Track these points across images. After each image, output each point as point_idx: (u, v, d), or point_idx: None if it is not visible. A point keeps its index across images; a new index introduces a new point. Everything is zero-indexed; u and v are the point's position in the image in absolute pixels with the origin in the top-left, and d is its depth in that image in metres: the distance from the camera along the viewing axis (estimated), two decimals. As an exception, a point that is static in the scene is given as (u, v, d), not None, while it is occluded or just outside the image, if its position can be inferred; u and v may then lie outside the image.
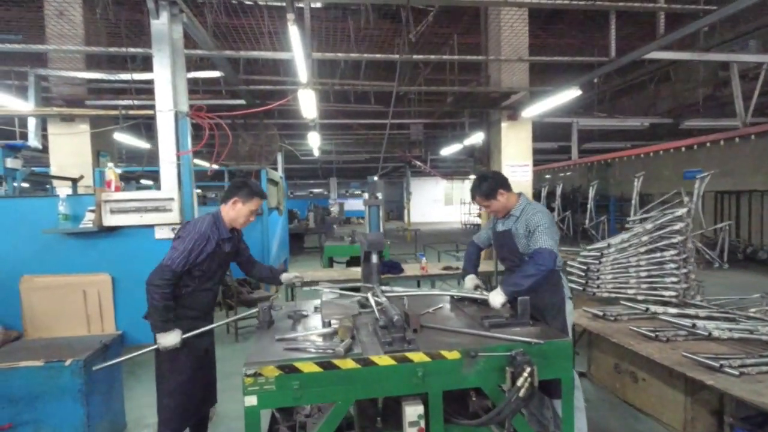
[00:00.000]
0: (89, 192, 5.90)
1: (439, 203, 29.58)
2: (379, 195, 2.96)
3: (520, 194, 2.78)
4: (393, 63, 6.92)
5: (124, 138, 7.40)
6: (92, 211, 3.14)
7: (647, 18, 5.76)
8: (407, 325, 2.30)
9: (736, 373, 2.48)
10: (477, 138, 8.46)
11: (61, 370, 2.62)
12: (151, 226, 3.20)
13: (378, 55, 4.57)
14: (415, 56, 4.55)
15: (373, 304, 2.42)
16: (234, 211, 2.58)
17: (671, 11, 3.95)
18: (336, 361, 2.05)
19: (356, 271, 6.01)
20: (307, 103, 5.37)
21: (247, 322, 5.76)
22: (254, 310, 2.65)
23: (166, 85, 3.17)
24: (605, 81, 6.52)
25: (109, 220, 3.09)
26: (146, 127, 7.78)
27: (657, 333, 3.11)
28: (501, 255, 2.89)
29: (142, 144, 8.38)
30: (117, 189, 3.18)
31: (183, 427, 2.55)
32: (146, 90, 6.09)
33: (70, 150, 6.23)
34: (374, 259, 2.93)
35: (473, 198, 2.80)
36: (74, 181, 5.40)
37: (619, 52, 4.74)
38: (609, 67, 4.82)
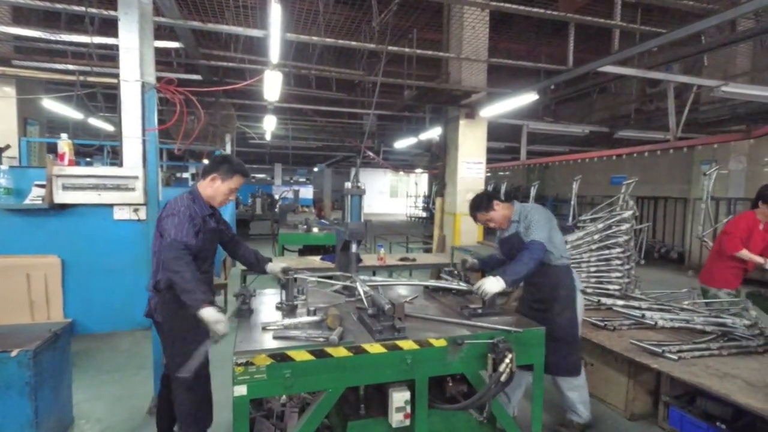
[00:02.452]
0: (14, 164, 5.28)
1: (385, 195, 29.89)
2: (361, 185, 2.94)
3: (513, 202, 2.93)
4: (351, 51, 6.88)
5: (54, 106, 6.62)
6: (40, 185, 2.82)
7: (592, 33, 6.25)
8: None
9: (675, 357, 2.83)
10: (433, 133, 8.65)
11: (6, 361, 2.35)
12: (110, 206, 2.94)
13: (353, 42, 4.50)
14: (390, 47, 4.54)
15: (361, 292, 2.43)
16: (212, 189, 2.44)
17: (626, 29, 4.31)
18: (329, 350, 2.05)
19: (313, 260, 5.95)
20: (272, 85, 5.19)
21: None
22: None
23: (133, 52, 2.91)
24: (557, 89, 6.95)
25: (62, 197, 2.79)
26: (87, 97, 7.02)
27: (605, 322, 3.44)
28: (511, 257, 2.93)
29: (72, 113, 7.55)
30: (71, 163, 2.88)
31: (208, 423, 2.43)
32: (81, 54, 5.49)
33: (-10, 115, 5.51)
34: (354, 248, 2.93)
35: (475, 218, 2.93)
36: (-2, 151, 4.79)
37: (575, 63, 5.09)
38: (566, 75, 5.15)
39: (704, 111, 8.15)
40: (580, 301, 2.89)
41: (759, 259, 3.56)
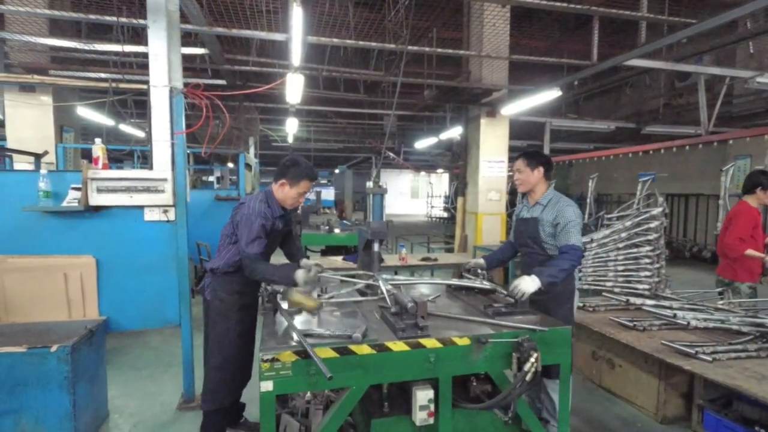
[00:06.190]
0: (51, 169, 5.53)
1: (405, 196, 29.86)
2: (383, 184, 2.96)
3: (551, 186, 2.85)
4: (369, 52, 6.91)
5: (87, 113, 6.91)
6: (76, 189, 2.94)
7: (617, 26, 6.10)
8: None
9: (710, 359, 2.72)
10: (454, 132, 8.60)
11: (46, 356, 2.46)
12: (141, 207, 3.05)
13: (373, 43, 4.52)
14: (410, 47, 4.55)
15: (384, 291, 2.44)
16: (281, 193, 2.56)
17: (654, 21, 4.19)
18: (353, 347, 2.07)
19: (336, 260, 6.00)
20: (294, 88, 5.27)
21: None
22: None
23: (162, 59, 3.00)
24: (581, 84, 6.81)
25: (96, 200, 2.91)
26: (119, 103, 7.31)
27: (634, 323, 3.34)
28: (520, 241, 2.94)
29: (104, 120, 7.86)
30: (105, 167, 3.00)
31: (225, 403, 2.58)
32: (114, 62, 5.71)
33: (29, 122, 5.78)
34: (376, 247, 2.95)
35: (518, 157, 2.88)
36: (37, 157, 5.02)
37: (600, 57, 4.97)
38: (590, 70, 5.05)
39: (738, 104, 7.83)
40: (577, 297, 2.85)
41: (760, 255, 3.52)
